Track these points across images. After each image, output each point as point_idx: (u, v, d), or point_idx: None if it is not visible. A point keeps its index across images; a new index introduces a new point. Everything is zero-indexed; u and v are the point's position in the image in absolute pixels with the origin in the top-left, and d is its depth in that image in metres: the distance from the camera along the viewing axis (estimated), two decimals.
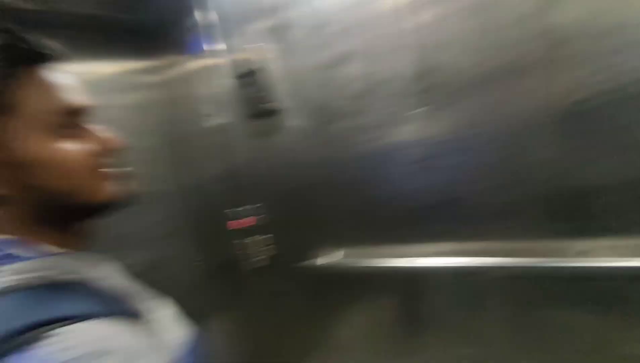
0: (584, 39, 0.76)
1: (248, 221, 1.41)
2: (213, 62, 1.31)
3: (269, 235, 1.41)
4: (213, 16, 1.27)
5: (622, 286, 0.83)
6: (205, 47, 1.31)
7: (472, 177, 0.97)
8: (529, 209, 0.92)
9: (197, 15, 1.30)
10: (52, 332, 0.34)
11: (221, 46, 1.28)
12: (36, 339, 0.33)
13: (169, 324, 0.56)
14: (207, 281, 1.64)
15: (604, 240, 0.85)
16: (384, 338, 1.23)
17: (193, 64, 1.41)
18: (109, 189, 0.51)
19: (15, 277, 0.41)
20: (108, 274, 0.55)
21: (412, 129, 1.01)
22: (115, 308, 0.46)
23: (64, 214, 0.49)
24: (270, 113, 1.21)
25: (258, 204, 1.40)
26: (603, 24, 0.74)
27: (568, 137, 0.83)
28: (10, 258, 0.43)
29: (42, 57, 0.47)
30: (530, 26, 0.80)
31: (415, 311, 1.15)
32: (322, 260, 1.27)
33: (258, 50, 1.15)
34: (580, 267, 0.89)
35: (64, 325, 0.36)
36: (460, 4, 0.87)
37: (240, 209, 1.43)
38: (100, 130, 0.52)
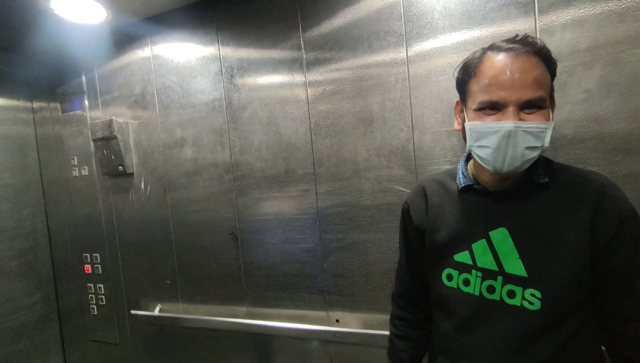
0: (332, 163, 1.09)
1: (88, 267, 1.51)
2: (80, 122, 1.48)
3: (105, 284, 1.51)
4: (90, 84, 1.46)
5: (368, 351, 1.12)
6: (79, 107, 1.49)
7: (267, 251, 1.22)
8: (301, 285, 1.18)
9: (79, 80, 1.49)
10: None
11: (91, 111, 1.47)
12: None
13: None
14: (46, 322, 1.64)
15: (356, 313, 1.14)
16: None
17: (65, 116, 1.56)
18: None
19: None
20: None
21: (227, 207, 1.26)
22: None
23: None
24: (122, 174, 1.39)
25: (96, 254, 1.52)
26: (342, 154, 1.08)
27: (320, 232, 1.13)
28: None
29: None
30: (304, 149, 1.12)
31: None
32: (149, 312, 1.41)
33: (117, 121, 1.36)
34: (337, 332, 1.15)
35: None
36: (262, 128, 1.18)
37: (88, 255, 1.52)
38: None
